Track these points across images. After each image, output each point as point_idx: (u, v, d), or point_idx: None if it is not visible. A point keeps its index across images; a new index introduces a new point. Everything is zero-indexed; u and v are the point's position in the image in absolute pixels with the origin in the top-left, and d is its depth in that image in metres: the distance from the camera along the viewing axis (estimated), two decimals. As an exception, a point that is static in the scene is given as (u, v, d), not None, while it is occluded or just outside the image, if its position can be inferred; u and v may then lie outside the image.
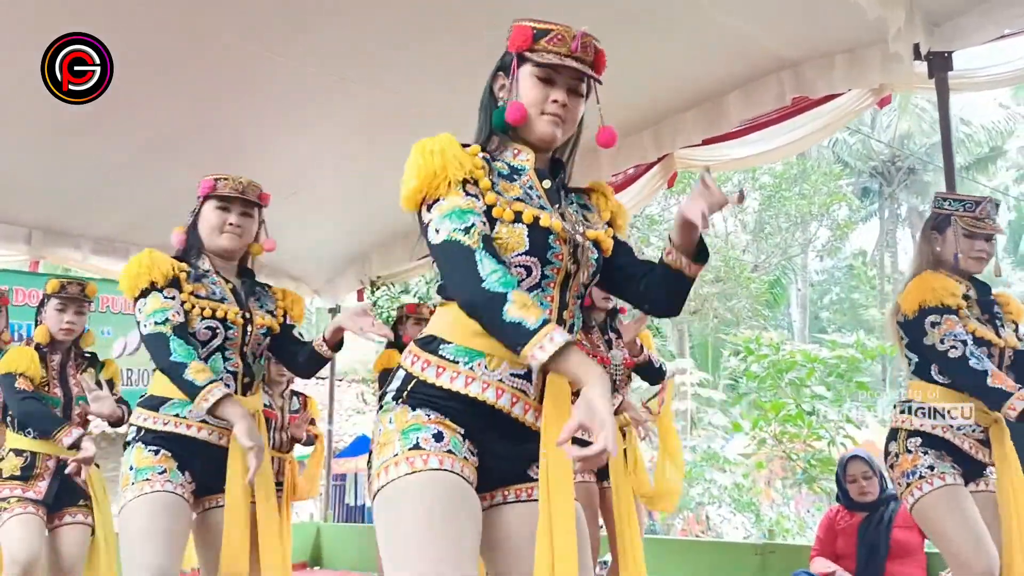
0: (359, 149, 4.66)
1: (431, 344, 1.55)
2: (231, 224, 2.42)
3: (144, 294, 2.30)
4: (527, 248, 1.52)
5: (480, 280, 1.39)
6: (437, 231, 1.46)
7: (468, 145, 1.58)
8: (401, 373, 1.57)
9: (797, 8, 3.69)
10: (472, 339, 1.51)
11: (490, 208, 1.52)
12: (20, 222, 5.28)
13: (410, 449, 1.45)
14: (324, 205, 5.37)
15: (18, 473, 3.23)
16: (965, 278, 2.66)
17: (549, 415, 1.44)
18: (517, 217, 1.53)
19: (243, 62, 3.81)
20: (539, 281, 1.55)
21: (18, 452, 3.26)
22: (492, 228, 1.51)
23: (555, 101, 1.58)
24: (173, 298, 2.31)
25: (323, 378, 8.28)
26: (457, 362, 1.52)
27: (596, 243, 1.64)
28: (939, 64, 3.43)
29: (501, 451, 1.54)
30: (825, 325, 23.13)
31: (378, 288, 6.73)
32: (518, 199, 1.55)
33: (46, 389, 3.26)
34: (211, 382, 2.19)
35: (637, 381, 3.80)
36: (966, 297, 2.60)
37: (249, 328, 2.44)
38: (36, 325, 3.33)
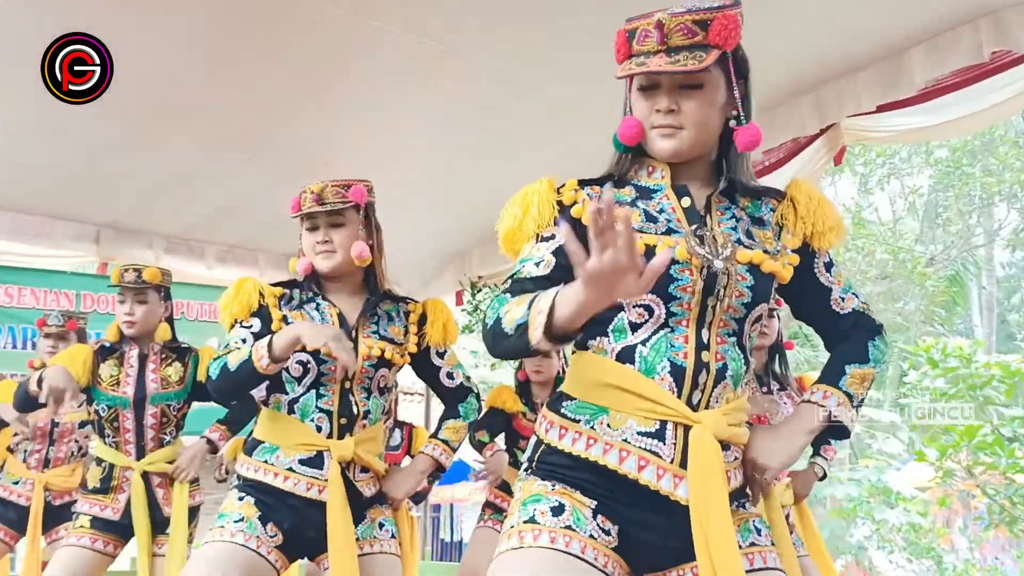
0: (459, 134, 4.64)
1: (556, 402, 1.62)
2: (318, 243, 2.45)
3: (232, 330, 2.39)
4: None
5: (485, 326, 1.48)
6: None
7: (565, 185, 1.66)
8: (533, 439, 1.64)
9: (1001, -60, 3.37)
10: (593, 392, 1.56)
11: None
12: (88, 220, 5.50)
13: (525, 522, 1.54)
14: (418, 197, 5.35)
15: (98, 485, 3.42)
16: None
17: (699, 484, 1.47)
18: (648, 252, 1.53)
19: (329, 38, 3.78)
20: (665, 320, 1.55)
21: (99, 461, 3.46)
22: None
23: (658, 111, 1.59)
24: (250, 326, 2.38)
25: (419, 393, 8.28)
26: (578, 420, 1.57)
27: (753, 267, 1.60)
28: None
29: (646, 525, 1.55)
30: (1014, 330, 22.03)
31: (480, 290, 6.67)
32: (634, 228, 1.49)
33: (115, 388, 3.39)
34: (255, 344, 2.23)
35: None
36: None
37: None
38: None
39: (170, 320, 3.59)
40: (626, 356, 1.55)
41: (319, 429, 2.37)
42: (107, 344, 3.51)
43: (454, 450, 2.61)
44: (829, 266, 1.72)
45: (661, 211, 1.61)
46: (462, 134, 4.63)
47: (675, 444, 1.52)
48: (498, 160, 4.72)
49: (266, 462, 2.38)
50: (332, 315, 2.44)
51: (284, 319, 2.39)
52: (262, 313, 2.40)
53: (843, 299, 1.71)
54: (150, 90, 4.00)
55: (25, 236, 5.42)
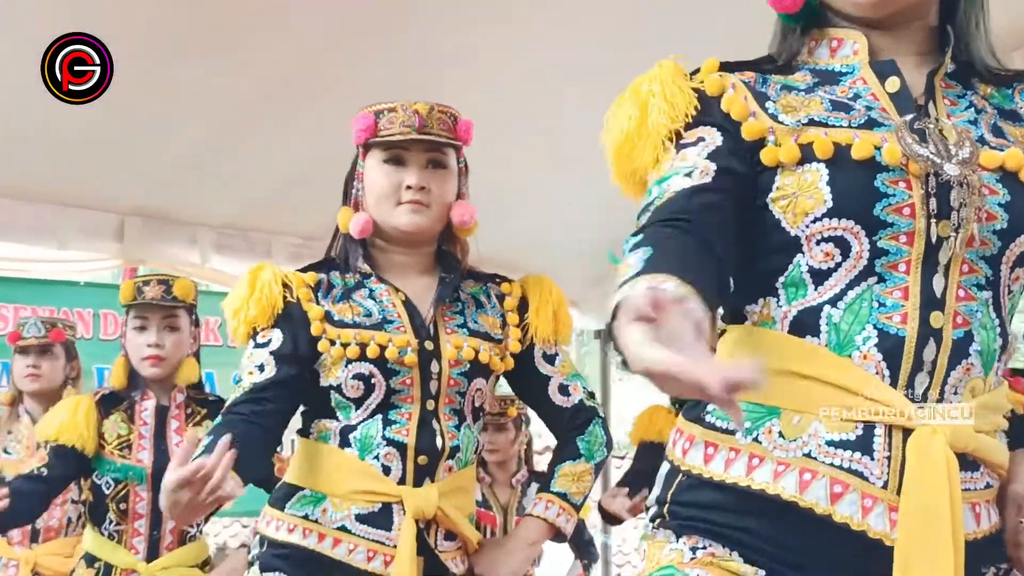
0: (636, 49, 4.01)
1: (698, 407, 1.47)
2: (410, 188, 2.27)
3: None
4: (830, 205, 1.35)
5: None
6: None
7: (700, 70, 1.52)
8: (664, 468, 1.50)
9: None
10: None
11: (758, 149, 1.41)
12: (108, 207, 5.05)
13: None
14: (580, 157, 4.85)
15: None
16: None
17: (917, 517, 1.28)
18: (807, 154, 1.37)
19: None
20: (869, 262, 1.35)
21: (90, 560, 3.30)
22: (771, 183, 1.41)
23: None
24: (267, 344, 2.21)
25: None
26: (734, 432, 1.39)
27: (1007, 175, 1.38)
28: None
29: None
30: None
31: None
32: (812, 120, 1.41)
33: (126, 454, 3.25)
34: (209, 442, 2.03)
35: None
36: None
37: (436, 367, 2.26)
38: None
39: (197, 355, 3.40)
40: (807, 324, 1.36)
41: (386, 471, 2.21)
42: (109, 392, 3.34)
43: (577, 508, 2.39)
44: None
45: (856, 97, 1.43)
46: (639, 55, 3.97)
47: (888, 458, 1.31)
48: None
49: (306, 518, 2.22)
50: (396, 303, 2.29)
51: (327, 316, 2.23)
52: (290, 314, 2.22)
53: None
54: (185, 22, 3.81)
55: (19, 232, 4.94)
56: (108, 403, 3.30)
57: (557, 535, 2.38)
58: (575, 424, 2.42)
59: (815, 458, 1.34)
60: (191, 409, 3.36)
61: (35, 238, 4.97)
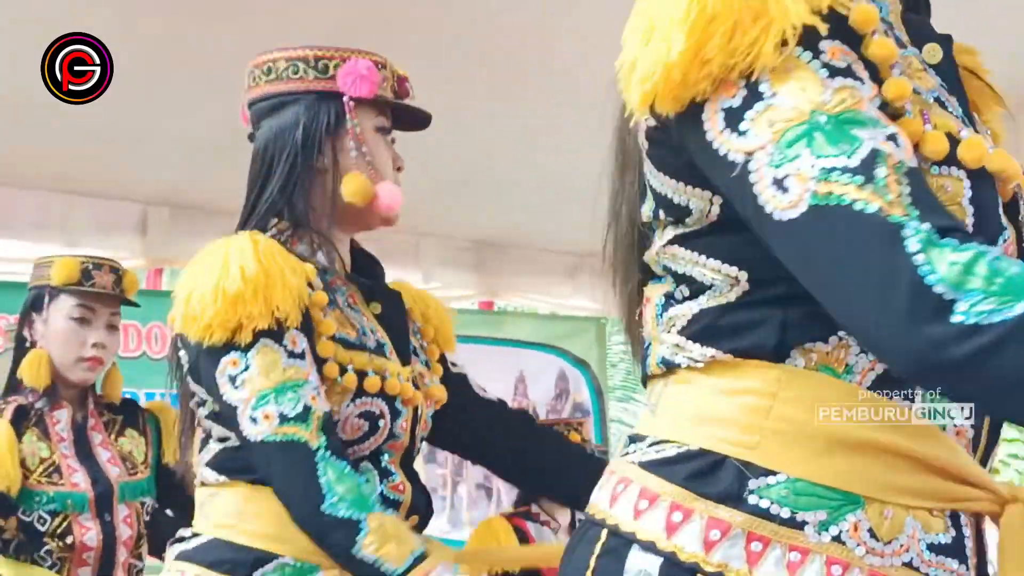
0: None
1: (718, 478, 1.15)
2: (400, 168, 2.17)
3: (236, 343, 1.82)
4: (970, 229, 1.13)
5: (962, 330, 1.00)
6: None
7: None
8: (651, 562, 1.14)
9: None
10: (832, 460, 1.14)
11: (894, 111, 1.12)
12: (129, 195, 4.90)
13: None
14: None
15: None
16: None
17: None
18: (950, 152, 1.12)
19: None
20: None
21: None
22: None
23: None
24: (303, 355, 1.87)
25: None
26: (802, 523, 1.12)
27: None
28: None
29: None
30: None
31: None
32: (938, 101, 1.18)
33: (56, 480, 3.02)
34: (416, 558, 1.78)
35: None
36: None
37: (421, 409, 2.08)
38: (18, 354, 3.14)
39: None
40: (899, 379, 1.13)
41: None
42: (16, 405, 3.04)
43: None
44: None
45: (941, 83, 1.20)
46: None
47: (975, 564, 1.16)
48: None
49: None
50: (369, 316, 2.04)
51: (336, 339, 1.94)
52: (308, 321, 1.90)
53: None
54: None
55: (21, 227, 4.69)
56: (18, 420, 3.00)
57: None
58: (513, 414, 2.37)
59: (916, 568, 1.13)
60: (106, 417, 3.18)
61: (40, 233, 4.69)
